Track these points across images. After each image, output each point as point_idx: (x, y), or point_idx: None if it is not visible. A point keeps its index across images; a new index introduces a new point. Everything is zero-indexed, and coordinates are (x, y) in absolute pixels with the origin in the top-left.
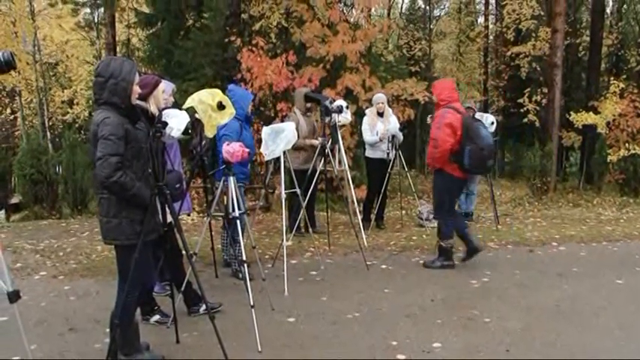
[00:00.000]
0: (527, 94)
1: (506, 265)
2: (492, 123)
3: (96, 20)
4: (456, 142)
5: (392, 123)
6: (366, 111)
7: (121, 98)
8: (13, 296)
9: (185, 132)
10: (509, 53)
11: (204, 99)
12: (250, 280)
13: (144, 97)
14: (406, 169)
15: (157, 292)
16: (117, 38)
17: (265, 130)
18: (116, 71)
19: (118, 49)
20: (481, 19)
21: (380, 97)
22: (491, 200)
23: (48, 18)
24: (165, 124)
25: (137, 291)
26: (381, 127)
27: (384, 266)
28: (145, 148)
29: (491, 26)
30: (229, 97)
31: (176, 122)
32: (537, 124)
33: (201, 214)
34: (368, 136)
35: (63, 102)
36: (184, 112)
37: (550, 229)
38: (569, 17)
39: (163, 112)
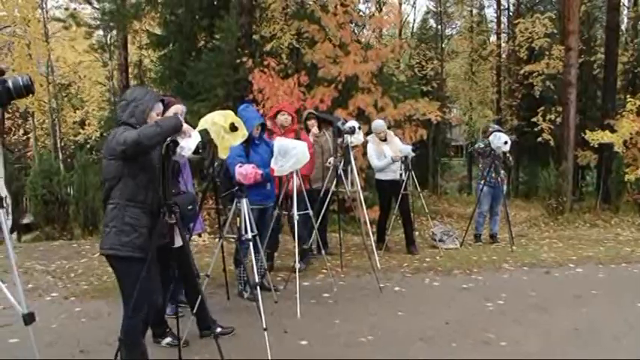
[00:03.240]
0: (541, 113)
1: (522, 287)
2: (506, 142)
3: (109, 42)
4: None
5: (397, 144)
6: (368, 138)
7: (137, 119)
8: (28, 318)
9: (196, 151)
10: (522, 72)
11: (217, 120)
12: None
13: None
14: (419, 189)
15: (169, 314)
16: (129, 59)
17: (277, 143)
18: (139, 96)
19: (130, 70)
20: (493, 38)
21: (379, 125)
22: (506, 221)
23: (61, 40)
24: (177, 143)
25: (140, 311)
26: (388, 150)
27: (397, 288)
28: (157, 169)
29: (503, 45)
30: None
31: (187, 141)
32: (552, 143)
33: (212, 236)
34: (376, 162)
35: (75, 123)
36: (196, 132)
37: (566, 250)
38: (583, 35)
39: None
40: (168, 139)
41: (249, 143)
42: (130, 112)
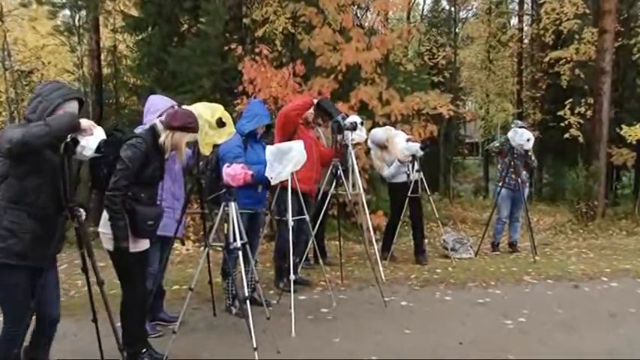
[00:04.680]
0: (568, 106)
1: (547, 303)
2: (528, 140)
3: (77, 24)
4: None
5: (402, 142)
6: (369, 145)
7: (38, 117)
8: None
9: (97, 150)
10: (547, 59)
11: (202, 113)
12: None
13: (168, 128)
14: (429, 192)
15: (149, 333)
16: (101, 44)
17: (270, 150)
18: (46, 92)
19: (102, 56)
20: (514, 21)
21: (377, 136)
22: (528, 227)
23: (20, 20)
24: (77, 141)
25: (20, 324)
26: (388, 156)
27: (404, 303)
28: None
29: (526, 28)
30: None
31: (88, 140)
32: (581, 139)
33: (197, 244)
34: (385, 171)
35: None
36: (99, 129)
37: (599, 262)
38: (621, 14)
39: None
40: (69, 137)
41: (249, 137)
42: (33, 106)
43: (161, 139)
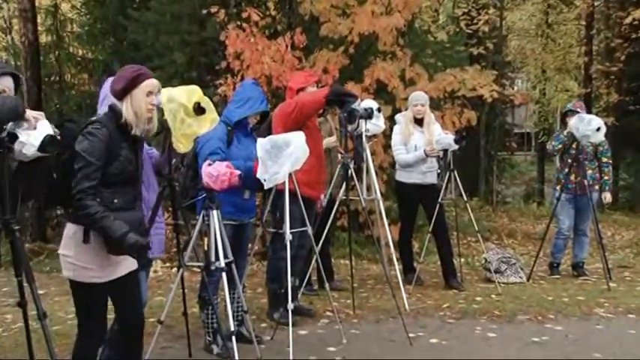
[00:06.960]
0: None
1: (628, 345)
2: (598, 129)
3: None
4: None
5: (436, 133)
6: (397, 117)
7: None
8: None
9: (42, 149)
10: (628, 20)
11: (177, 96)
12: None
13: (119, 97)
14: (465, 197)
15: None
16: (37, 3)
17: (262, 145)
18: None
19: (39, 19)
20: None
21: (418, 96)
22: (599, 244)
23: None
24: (15, 136)
25: None
26: (419, 140)
27: (434, 340)
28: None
29: None
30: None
31: (28, 135)
32: None
33: (168, 264)
34: (402, 153)
35: None
36: (44, 123)
37: None
38: None
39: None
40: (5, 131)
41: (237, 128)
42: None
43: (124, 115)
